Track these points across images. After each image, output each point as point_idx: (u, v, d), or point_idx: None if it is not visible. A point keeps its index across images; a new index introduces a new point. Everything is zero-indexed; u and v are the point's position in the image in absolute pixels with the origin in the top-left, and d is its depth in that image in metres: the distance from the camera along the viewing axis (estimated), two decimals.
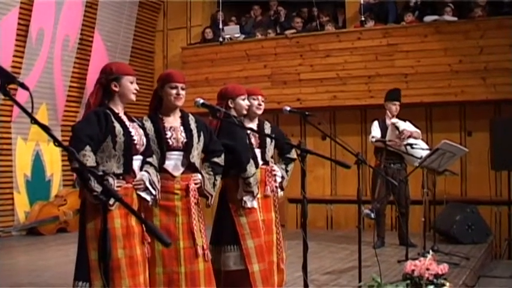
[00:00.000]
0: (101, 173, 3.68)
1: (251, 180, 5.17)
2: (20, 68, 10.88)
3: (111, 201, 3.98)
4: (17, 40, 10.86)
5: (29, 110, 2.70)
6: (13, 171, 11.11)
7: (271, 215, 5.62)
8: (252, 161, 5.22)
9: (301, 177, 4.27)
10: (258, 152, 5.53)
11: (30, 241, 10.55)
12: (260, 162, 5.55)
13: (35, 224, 11.00)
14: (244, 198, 5.22)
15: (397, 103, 9.19)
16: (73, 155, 2.56)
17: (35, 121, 2.59)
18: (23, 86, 2.72)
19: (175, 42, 14.18)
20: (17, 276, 7.53)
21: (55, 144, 2.57)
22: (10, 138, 11.06)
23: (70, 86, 12.11)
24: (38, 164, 11.50)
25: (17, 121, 11.06)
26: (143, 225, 4.27)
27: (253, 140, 5.51)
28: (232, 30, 13.23)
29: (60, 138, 11.62)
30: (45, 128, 2.54)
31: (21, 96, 11.07)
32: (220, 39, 12.34)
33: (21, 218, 11.19)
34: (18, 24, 10.87)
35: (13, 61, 10.71)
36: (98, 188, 3.82)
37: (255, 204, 5.28)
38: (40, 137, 11.37)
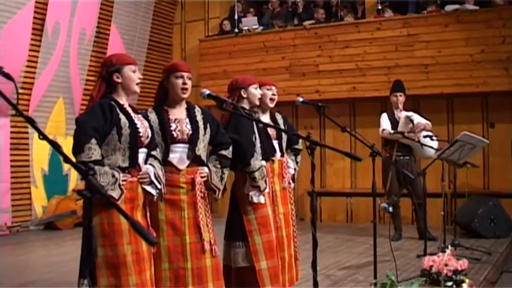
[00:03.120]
0: (85, 168, 3.59)
1: (256, 174, 5.04)
2: (36, 62, 10.85)
3: (117, 195, 3.90)
4: (32, 34, 10.82)
5: (15, 102, 2.56)
6: (30, 165, 11.11)
7: (288, 208, 5.55)
8: (256, 155, 5.09)
9: (311, 170, 4.12)
10: (276, 143, 5.45)
11: (48, 235, 10.55)
12: (278, 153, 5.47)
13: (52, 219, 10.99)
14: (251, 193, 5.10)
15: (398, 94, 9.14)
16: (53, 144, 2.44)
17: (19, 114, 2.46)
18: (8, 76, 2.58)
19: (193, 35, 14.08)
20: (34, 271, 7.53)
21: (39, 137, 2.45)
22: (27, 132, 11.04)
23: (87, 80, 12.06)
24: (55, 158, 11.45)
25: (34, 115, 11.01)
26: (149, 221, 4.19)
27: (271, 132, 5.43)
28: (250, 22, 13.10)
29: None
30: (30, 121, 2.41)
31: (39, 89, 11.06)
32: (236, 30, 12.19)
33: (39, 212, 11.19)
34: (34, 18, 10.82)
35: (29, 55, 10.69)
36: (104, 182, 3.76)
37: (261, 199, 5.14)
38: (57, 130, 11.34)
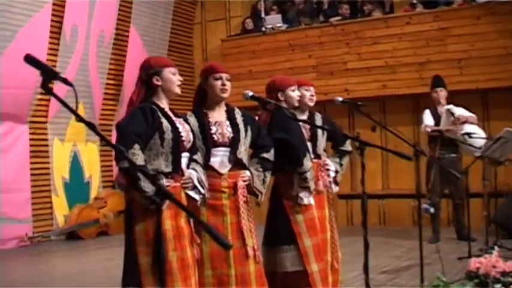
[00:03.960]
0: (153, 172, 3.61)
1: (308, 175, 5.09)
2: (54, 66, 10.92)
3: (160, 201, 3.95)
4: (50, 37, 10.95)
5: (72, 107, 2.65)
6: (50, 173, 11.22)
7: (324, 212, 5.53)
8: (308, 155, 5.15)
9: (361, 172, 4.19)
10: (309, 145, 5.46)
11: (70, 246, 10.65)
12: (312, 155, 5.50)
13: (74, 228, 11.09)
14: (301, 194, 5.14)
15: (438, 89, 9.14)
16: (123, 153, 2.51)
17: (80, 119, 2.54)
18: (66, 82, 2.66)
19: (215, 35, 14.16)
20: (56, 282, 7.57)
21: (102, 143, 2.53)
22: (46, 139, 11.17)
23: (107, 84, 12.18)
24: (76, 165, 11.57)
25: (53, 121, 11.15)
26: (192, 226, 4.24)
27: (304, 133, 5.45)
28: (274, 20, 13.15)
29: (97, 138, 11.71)
30: (92, 126, 2.49)
31: (58, 94, 11.15)
32: (263, 29, 12.25)
33: (60, 222, 11.28)
34: (51, 21, 10.95)
35: (47, 59, 10.77)
36: (148, 188, 3.79)
37: (311, 200, 5.19)
38: (77, 137, 11.45)
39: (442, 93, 9.20)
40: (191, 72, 13.77)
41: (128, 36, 12.52)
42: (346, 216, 12.08)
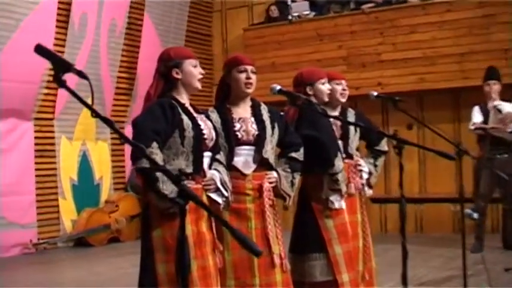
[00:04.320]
0: (176, 173, 3.64)
1: (339, 176, 5.10)
2: None
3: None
4: (57, 27, 11.02)
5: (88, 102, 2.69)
6: (57, 174, 11.28)
7: (356, 217, 5.54)
8: (339, 155, 5.17)
9: (399, 173, 4.20)
10: (340, 143, 5.47)
11: (79, 253, 10.73)
12: (343, 155, 5.51)
13: (83, 234, 11.16)
14: (331, 197, 5.15)
15: (491, 82, 9.04)
16: (143, 152, 2.55)
17: (97, 115, 2.58)
18: (81, 74, 2.70)
19: (236, 23, 14.20)
20: None
21: (121, 141, 2.56)
22: (53, 137, 11.24)
23: (118, 77, 12.24)
24: (85, 166, 11.65)
25: (60, 118, 11.23)
26: (214, 232, 4.27)
27: (335, 130, 5.45)
28: (300, 7, 13.15)
29: (109, 135, 11.79)
30: (109, 123, 2.52)
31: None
32: (289, 17, 12.25)
33: (68, 227, 11.36)
34: (58, 8, 11.03)
35: (54, 50, 10.79)
36: (167, 190, 3.83)
37: (343, 204, 5.21)
38: (87, 135, 11.52)
39: (495, 87, 9.07)
40: (210, 64, 13.81)
41: (141, 25, 12.57)
42: (380, 222, 12.08)
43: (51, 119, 11.22)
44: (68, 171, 11.41)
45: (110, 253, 10.49)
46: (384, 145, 5.81)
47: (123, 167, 12.16)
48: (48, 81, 10.74)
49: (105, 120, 2.54)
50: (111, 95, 12.08)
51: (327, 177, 5.12)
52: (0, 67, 9.88)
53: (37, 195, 10.97)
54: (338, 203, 5.17)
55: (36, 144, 11.02)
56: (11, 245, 10.41)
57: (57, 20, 11.01)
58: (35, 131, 11.03)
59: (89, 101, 2.65)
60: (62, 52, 11.02)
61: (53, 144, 11.28)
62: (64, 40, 11.16)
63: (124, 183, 12.27)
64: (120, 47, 12.23)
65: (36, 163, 10.99)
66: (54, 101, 11.08)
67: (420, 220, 11.89)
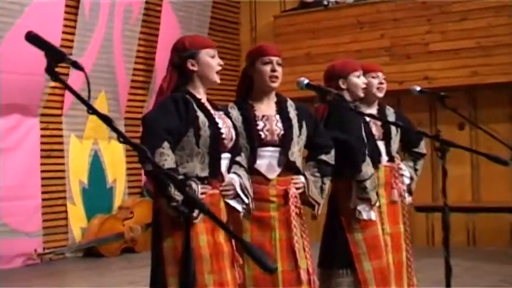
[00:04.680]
0: (181, 177, 3.64)
1: (367, 183, 5.09)
2: (71, 47, 11.05)
3: (195, 212, 3.95)
4: (66, 13, 11.05)
5: (86, 97, 2.68)
6: (66, 177, 11.31)
7: (399, 228, 5.55)
8: (368, 159, 5.14)
9: (442, 179, 4.16)
10: (381, 144, 5.46)
11: (89, 264, 10.79)
12: (385, 158, 5.49)
13: (94, 243, 11.20)
14: (359, 207, 5.14)
15: None
16: (145, 154, 2.53)
17: (93, 111, 2.58)
18: (76, 65, 2.70)
19: (266, 10, 14.17)
20: None
21: (119, 141, 2.55)
22: (61, 136, 11.26)
23: (134, 69, 12.26)
24: (96, 167, 11.69)
25: (69, 114, 11.26)
26: (234, 243, 4.24)
27: (374, 130, 5.44)
28: None
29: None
30: (107, 120, 2.52)
31: (75, 81, 11.30)
32: (325, 2, 12.21)
33: (77, 235, 11.38)
34: None
35: (63, 39, 10.87)
36: (178, 196, 3.81)
37: (372, 215, 5.19)
38: (99, 133, 11.54)
39: None
40: (237, 56, 13.82)
41: (160, 11, 12.60)
42: (426, 234, 12.00)
43: (59, 115, 11.24)
44: (77, 173, 11.44)
45: (123, 265, 10.53)
46: (423, 147, 5.80)
47: (139, 169, 12.12)
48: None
49: (102, 117, 2.54)
50: (126, 89, 12.10)
51: (356, 184, 5.10)
52: (1, 57, 9.90)
53: (43, 199, 10.99)
54: (367, 213, 5.16)
55: (42, 143, 11.04)
56: (14, 255, 10.41)
57: (66, 6, 11.05)
58: (41, 129, 11.04)
59: (92, 98, 2.62)
60: (71, 41, 11.08)
61: (61, 143, 11.31)
62: (74, 27, 11.19)
63: (140, 187, 12.30)
64: (136, 35, 12.25)
65: (42, 164, 11.01)
66: (63, 95, 11.11)
67: (473, 232, 11.80)
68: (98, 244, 11.21)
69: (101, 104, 11.50)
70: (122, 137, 2.53)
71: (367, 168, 5.12)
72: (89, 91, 2.83)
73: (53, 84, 10.83)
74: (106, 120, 2.55)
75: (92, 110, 2.58)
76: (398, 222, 5.56)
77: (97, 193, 11.70)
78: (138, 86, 12.40)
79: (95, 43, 11.44)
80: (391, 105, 5.94)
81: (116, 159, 11.97)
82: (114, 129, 2.53)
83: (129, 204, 11.83)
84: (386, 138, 5.52)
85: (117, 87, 11.93)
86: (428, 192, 11.68)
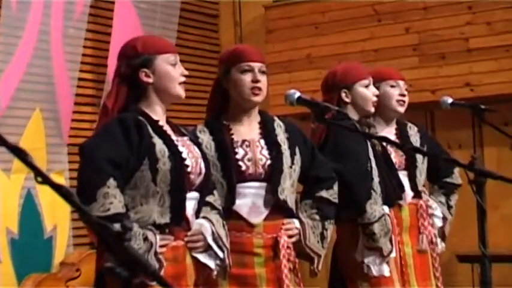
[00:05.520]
0: (117, 227, 3.65)
1: (375, 228, 5.10)
2: None
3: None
4: None
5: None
6: None
7: (430, 285, 5.56)
8: (375, 196, 5.14)
9: (478, 219, 4.17)
10: (404, 176, 5.47)
11: None
12: (410, 193, 5.50)
13: None
14: (366, 260, 5.16)
15: None
16: (70, 197, 2.53)
17: None
18: None
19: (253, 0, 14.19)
20: None
21: (37, 181, 2.53)
22: None
23: (80, 79, 12.21)
24: (30, 211, 11.62)
25: None
26: None
27: (394, 156, 5.45)
28: None
29: (67, 165, 11.80)
30: (16, 151, 2.51)
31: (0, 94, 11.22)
32: None
33: None
34: None
35: None
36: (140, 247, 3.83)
37: (385, 270, 5.20)
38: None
39: None
40: (217, 59, 13.75)
41: (113, 2, 12.58)
42: None
43: None
44: (4, 219, 11.38)
45: None
46: (458, 176, 5.80)
47: None
48: None
49: (9, 146, 2.52)
50: (69, 106, 12.04)
51: (361, 229, 5.11)
52: None
53: None
54: (377, 268, 5.18)
55: None
56: None
57: None
58: None
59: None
60: None
61: None
62: None
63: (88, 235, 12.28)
64: (82, 35, 12.18)
65: None
66: None
67: None
68: None
69: (35, 124, 11.44)
70: (39, 175, 2.52)
71: (374, 207, 5.13)
72: None
73: None
74: (15, 151, 2.53)
75: None
76: (429, 278, 5.59)
77: (31, 245, 11.58)
78: (85, 102, 12.34)
79: (26, 45, 11.39)
80: (421, 120, 5.97)
81: (56, 200, 11.89)
82: (29, 164, 2.53)
83: (75, 259, 11.77)
84: (411, 167, 5.52)
85: (57, 104, 11.86)
86: (473, 237, 11.67)
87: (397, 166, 5.50)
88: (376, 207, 5.11)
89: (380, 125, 5.52)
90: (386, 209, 5.21)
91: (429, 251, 5.61)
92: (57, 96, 11.86)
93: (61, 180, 11.87)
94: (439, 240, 5.69)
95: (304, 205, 4.78)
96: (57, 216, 11.95)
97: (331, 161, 5.01)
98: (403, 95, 5.60)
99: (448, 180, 5.80)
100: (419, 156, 5.55)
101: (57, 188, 2.52)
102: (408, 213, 5.52)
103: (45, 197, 11.79)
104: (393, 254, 5.22)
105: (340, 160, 5.05)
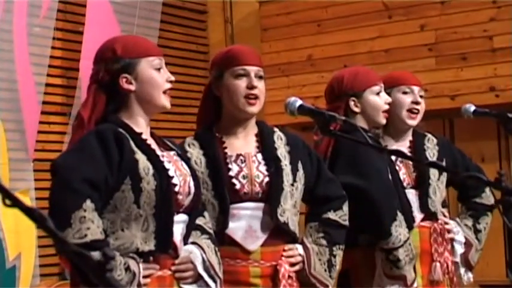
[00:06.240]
0: (97, 256, 3.67)
1: (400, 253, 5.11)
2: None
3: None
4: None
5: None
6: None
7: None
8: (401, 218, 5.15)
9: (506, 245, 4.19)
10: (412, 195, 5.47)
11: None
12: (419, 216, 5.50)
13: None
14: None
15: None
16: (44, 222, 2.54)
17: None
18: None
19: None
20: None
21: (4, 203, 2.54)
22: None
23: (48, 85, 12.23)
24: None
25: None
26: None
27: (402, 173, 5.45)
28: None
29: (33, 183, 11.81)
30: None
31: None
32: None
33: None
34: None
35: None
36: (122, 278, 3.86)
37: None
38: None
39: None
40: (205, 61, 13.82)
41: None
42: None
43: None
44: None
45: None
46: (489, 196, 5.76)
47: None
48: None
49: None
50: (35, 116, 12.06)
51: (381, 255, 5.12)
52: None
53: None
54: None
55: None
56: None
57: None
58: None
59: None
60: None
61: None
62: None
63: (59, 264, 12.27)
64: (50, 34, 12.23)
65: None
66: None
67: None
68: None
69: None
70: (7, 197, 2.53)
71: (399, 230, 5.13)
72: None
73: None
74: None
75: None
76: None
77: None
78: (53, 111, 12.35)
79: None
80: (439, 130, 5.97)
81: (21, 225, 11.95)
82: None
83: None
84: (422, 185, 5.52)
85: (22, 113, 11.88)
86: (501, 266, 11.70)
87: (405, 184, 5.47)
88: (401, 230, 5.09)
89: (391, 137, 5.50)
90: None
91: (445, 282, 5.58)
92: (21, 104, 11.87)
93: (26, 200, 11.88)
94: (462, 270, 5.65)
95: (309, 228, 4.78)
96: (21, 243, 11.97)
97: (350, 176, 4.99)
98: (417, 103, 5.56)
99: (477, 200, 5.74)
100: (433, 173, 5.52)
101: (29, 212, 2.53)
102: (418, 238, 5.50)
103: (8, 221, 11.80)
104: (415, 284, 5.22)
105: (361, 176, 5.03)
